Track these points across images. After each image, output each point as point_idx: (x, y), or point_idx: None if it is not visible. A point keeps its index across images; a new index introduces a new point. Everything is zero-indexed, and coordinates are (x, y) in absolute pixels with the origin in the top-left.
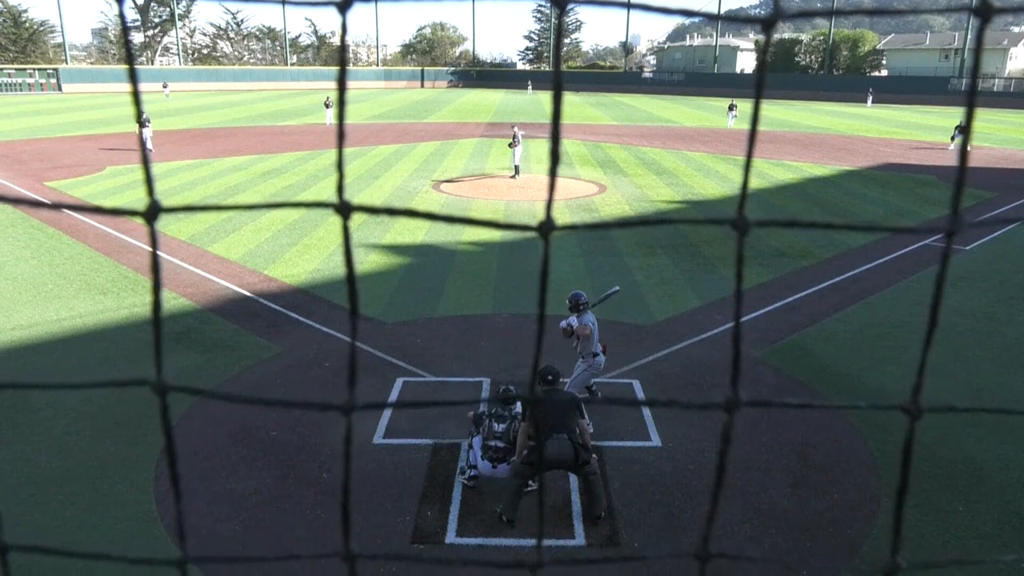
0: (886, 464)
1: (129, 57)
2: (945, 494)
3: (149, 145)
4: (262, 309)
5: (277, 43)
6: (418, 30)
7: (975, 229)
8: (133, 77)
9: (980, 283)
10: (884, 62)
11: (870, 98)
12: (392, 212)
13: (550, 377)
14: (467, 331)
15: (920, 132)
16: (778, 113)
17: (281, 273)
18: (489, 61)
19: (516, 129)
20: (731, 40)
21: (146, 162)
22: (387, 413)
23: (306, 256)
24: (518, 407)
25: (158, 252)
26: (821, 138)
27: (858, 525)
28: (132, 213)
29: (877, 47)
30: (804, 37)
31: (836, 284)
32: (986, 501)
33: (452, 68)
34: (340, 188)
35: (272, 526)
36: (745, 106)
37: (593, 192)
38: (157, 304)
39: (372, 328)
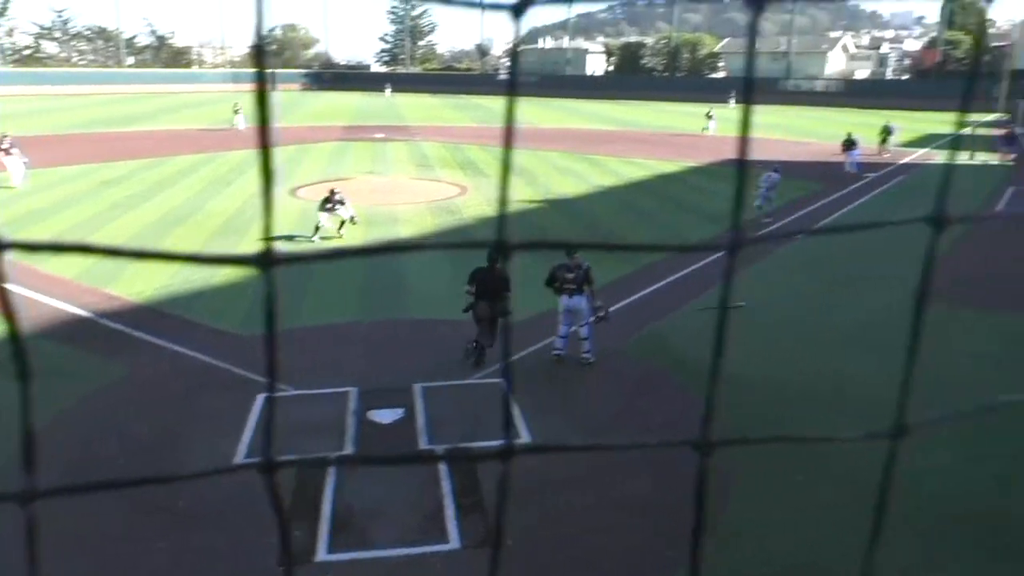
0: None
1: None
2: (788, 463)
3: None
4: (105, 329)
5: (111, 43)
6: (268, 31)
7: (760, 242)
8: None
9: (814, 270)
10: (722, 64)
11: (732, 100)
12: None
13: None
14: (331, 340)
15: (756, 129)
16: (628, 113)
17: (125, 290)
18: (344, 63)
19: (336, 193)
20: (581, 43)
21: None
22: (249, 430)
23: (153, 270)
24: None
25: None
26: (669, 136)
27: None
28: None
29: (715, 50)
30: (649, 40)
31: (688, 274)
32: (828, 474)
33: (305, 70)
34: (267, 236)
35: (129, 560)
36: (594, 107)
37: (455, 194)
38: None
39: (228, 342)
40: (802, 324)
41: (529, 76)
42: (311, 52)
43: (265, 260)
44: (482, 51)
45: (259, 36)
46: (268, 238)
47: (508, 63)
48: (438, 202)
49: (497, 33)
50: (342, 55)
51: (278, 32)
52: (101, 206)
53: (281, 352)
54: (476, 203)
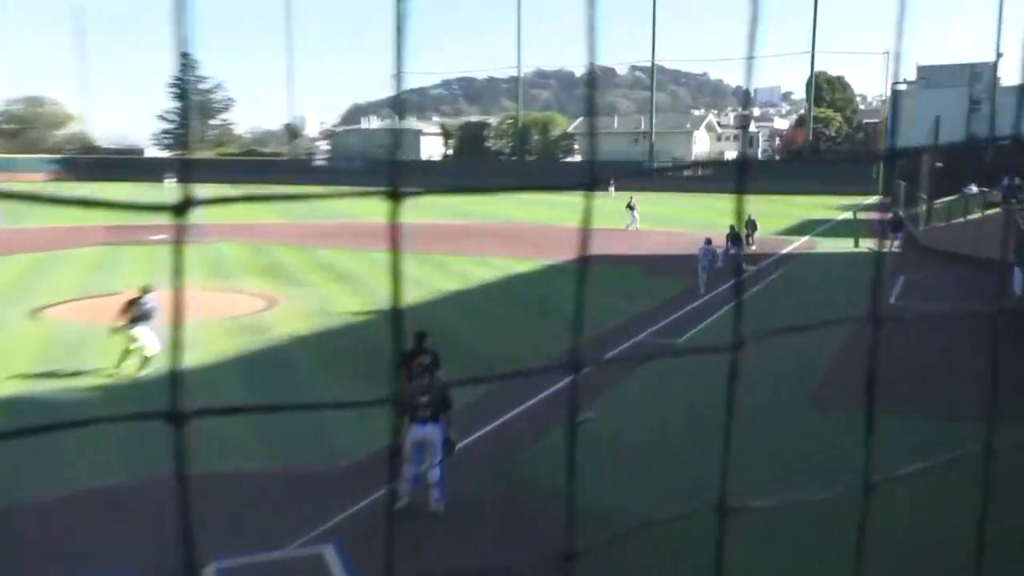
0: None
1: None
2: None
3: None
4: None
5: None
6: (6, 105)
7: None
8: None
9: (691, 375)
10: (576, 146)
11: (612, 187)
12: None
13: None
14: (94, 509)
15: (619, 219)
16: (473, 204)
17: None
18: (110, 147)
19: (152, 297)
20: (414, 123)
21: None
22: None
23: None
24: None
25: None
26: (523, 229)
27: None
28: None
29: (568, 130)
30: (492, 120)
31: (555, 392)
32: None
33: (55, 156)
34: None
35: None
36: (433, 197)
37: (261, 307)
38: None
39: None
40: (675, 438)
41: (351, 162)
42: (65, 132)
43: None
44: (292, 132)
45: None
46: None
47: (327, 145)
48: (240, 318)
49: (310, 110)
50: (107, 136)
51: (18, 108)
52: None
53: (18, 534)
54: (289, 318)
